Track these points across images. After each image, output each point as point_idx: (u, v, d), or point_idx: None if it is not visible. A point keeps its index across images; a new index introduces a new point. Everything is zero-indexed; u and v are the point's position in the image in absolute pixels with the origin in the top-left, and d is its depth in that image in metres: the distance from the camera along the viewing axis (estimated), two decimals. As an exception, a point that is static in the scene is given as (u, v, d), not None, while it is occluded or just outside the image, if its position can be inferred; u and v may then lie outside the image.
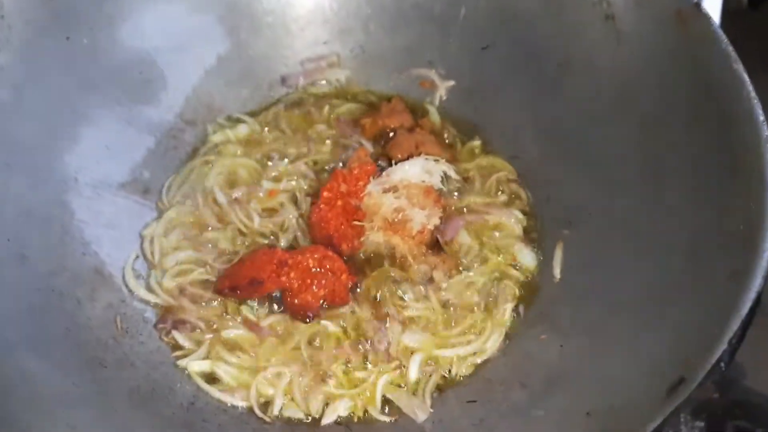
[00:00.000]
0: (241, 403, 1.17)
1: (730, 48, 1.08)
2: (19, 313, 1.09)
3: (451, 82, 1.47)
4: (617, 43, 1.24)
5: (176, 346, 1.22)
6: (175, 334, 1.22)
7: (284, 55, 1.49)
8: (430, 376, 1.18)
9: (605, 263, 1.14)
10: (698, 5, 1.13)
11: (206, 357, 1.20)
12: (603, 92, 1.26)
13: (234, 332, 1.22)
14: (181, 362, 1.20)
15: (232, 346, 1.21)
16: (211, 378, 1.19)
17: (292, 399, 1.16)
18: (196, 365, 1.20)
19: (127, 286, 1.25)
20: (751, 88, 1.03)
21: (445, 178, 1.34)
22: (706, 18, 1.12)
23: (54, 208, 1.24)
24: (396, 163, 1.34)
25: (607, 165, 1.23)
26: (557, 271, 1.24)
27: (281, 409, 1.16)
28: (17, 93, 1.22)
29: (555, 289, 1.23)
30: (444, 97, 1.47)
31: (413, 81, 1.49)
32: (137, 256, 1.29)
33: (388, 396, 1.16)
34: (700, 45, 1.11)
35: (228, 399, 1.17)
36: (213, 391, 1.17)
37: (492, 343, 1.20)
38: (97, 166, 1.30)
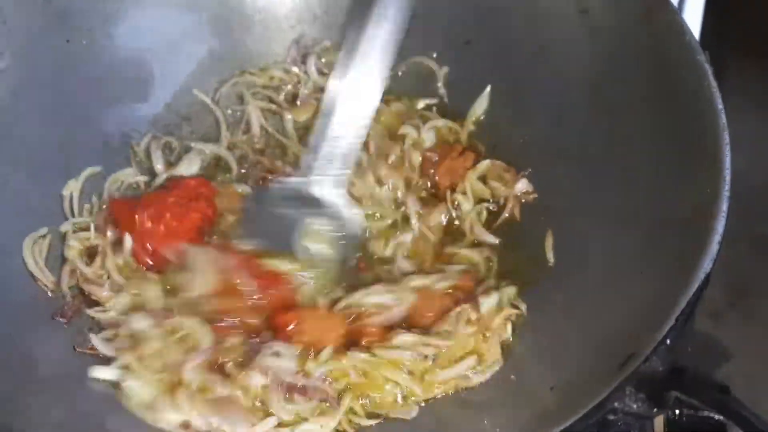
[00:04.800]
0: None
1: (695, 40, 1.13)
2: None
3: (446, 69, 1.49)
4: (590, 35, 1.29)
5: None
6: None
7: (276, 52, 1.54)
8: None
9: (575, 249, 1.19)
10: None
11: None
12: (577, 82, 1.30)
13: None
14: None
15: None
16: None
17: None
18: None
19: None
20: (712, 78, 1.08)
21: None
22: (673, 11, 1.17)
23: (54, 204, 1.31)
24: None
25: (581, 152, 1.27)
26: (550, 256, 1.25)
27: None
28: (17, 94, 1.29)
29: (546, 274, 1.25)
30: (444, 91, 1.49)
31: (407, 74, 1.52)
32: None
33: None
34: (667, 37, 1.16)
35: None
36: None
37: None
38: (96, 162, 1.37)
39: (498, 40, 1.40)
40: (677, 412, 0.96)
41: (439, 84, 1.48)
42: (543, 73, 1.34)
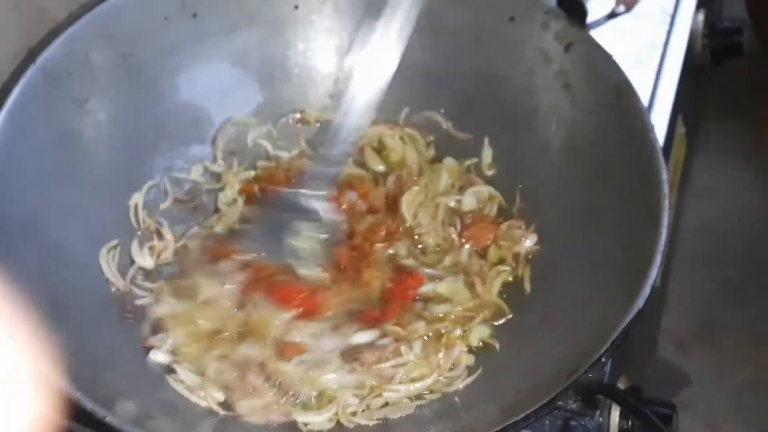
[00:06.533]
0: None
1: (649, 120, 1.40)
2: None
3: (450, 123, 1.76)
4: (572, 106, 1.56)
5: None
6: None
7: (311, 100, 1.82)
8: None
9: (547, 282, 1.47)
10: (629, 83, 1.45)
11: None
12: (561, 146, 1.58)
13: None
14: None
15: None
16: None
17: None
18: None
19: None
20: (660, 153, 1.35)
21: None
22: (635, 95, 1.44)
23: (122, 219, 1.59)
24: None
25: (562, 202, 1.54)
26: (528, 286, 1.50)
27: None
28: (99, 131, 1.57)
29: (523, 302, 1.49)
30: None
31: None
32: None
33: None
34: (629, 115, 1.43)
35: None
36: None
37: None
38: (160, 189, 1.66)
39: (495, 104, 1.68)
40: (629, 423, 1.24)
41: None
42: (534, 135, 1.62)
